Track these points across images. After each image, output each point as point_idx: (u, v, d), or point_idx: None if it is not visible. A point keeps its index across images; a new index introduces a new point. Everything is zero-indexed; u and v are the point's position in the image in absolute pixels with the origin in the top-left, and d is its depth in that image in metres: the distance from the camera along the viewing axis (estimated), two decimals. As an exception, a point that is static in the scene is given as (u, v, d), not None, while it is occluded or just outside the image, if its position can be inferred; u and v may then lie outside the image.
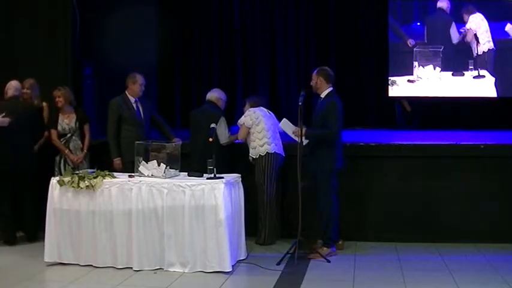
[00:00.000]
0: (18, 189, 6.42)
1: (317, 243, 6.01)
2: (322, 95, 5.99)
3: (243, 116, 6.38)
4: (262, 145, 6.24)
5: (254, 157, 6.27)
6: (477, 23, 9.33)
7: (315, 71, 6.06)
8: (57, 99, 6.63)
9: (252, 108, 6.39)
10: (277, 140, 6.34)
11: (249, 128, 6.29)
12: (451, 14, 9.50)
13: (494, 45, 9.30)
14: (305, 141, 5.90)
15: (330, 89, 5.97)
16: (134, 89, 6.45)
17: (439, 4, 9.55)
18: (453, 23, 9.45)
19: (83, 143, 6.71)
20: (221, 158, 5.88)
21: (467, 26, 9.39)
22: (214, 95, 6.59)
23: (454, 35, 9.46)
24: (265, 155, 6.23)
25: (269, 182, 6.25)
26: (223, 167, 5.73)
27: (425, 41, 9.59)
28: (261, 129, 6.27)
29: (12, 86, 6.53)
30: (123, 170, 6.10)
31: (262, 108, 6.43)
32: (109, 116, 6.40)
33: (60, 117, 6.65)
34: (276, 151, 6.28)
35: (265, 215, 6.27)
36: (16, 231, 6.47)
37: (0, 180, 6.37)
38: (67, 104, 6.66)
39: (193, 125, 6.55)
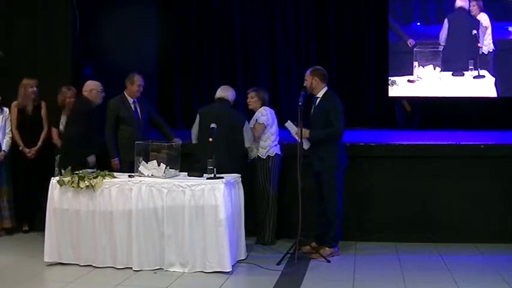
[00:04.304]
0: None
1: (311, 244, 5.96)
2: (319, 95, 5.89)
3: (260, 115, 6.23)
4: (272, 146, 6.24)
5: (263, 157, 6.23)
6: (485, 24, 9.32)
7: (309, 71, 5.94)
8: (67, 96, 6.68)
9: (266, 108, 6.32)
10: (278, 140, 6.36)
11: (265, 128, 6.22)
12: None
13: (494, 45, 9.30)
14: (307, 145, 5.86)
15: (325, 88, 5.90)
16: (132, 89, 6.45)
17: (459, 3, 9.45)
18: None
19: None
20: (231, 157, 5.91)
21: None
22: (230, 94, 6.23)
23: (482, 40, 9.37)
24: (273, 155, 6.23)
25: (274, 182, 6.25)
26: (234, 166, 5.81)
27: (441, 42, 9.50)
28: (274, 131, 6.27)
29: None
30: (121, 170, 6.10)
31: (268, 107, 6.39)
32: (107, 116, 6.41)
33: (63, 117, 6.66)
34: (280, 152, 6.30)
35: (269, 215, 6.27)
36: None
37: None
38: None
39: (208, 124, 5.86)
